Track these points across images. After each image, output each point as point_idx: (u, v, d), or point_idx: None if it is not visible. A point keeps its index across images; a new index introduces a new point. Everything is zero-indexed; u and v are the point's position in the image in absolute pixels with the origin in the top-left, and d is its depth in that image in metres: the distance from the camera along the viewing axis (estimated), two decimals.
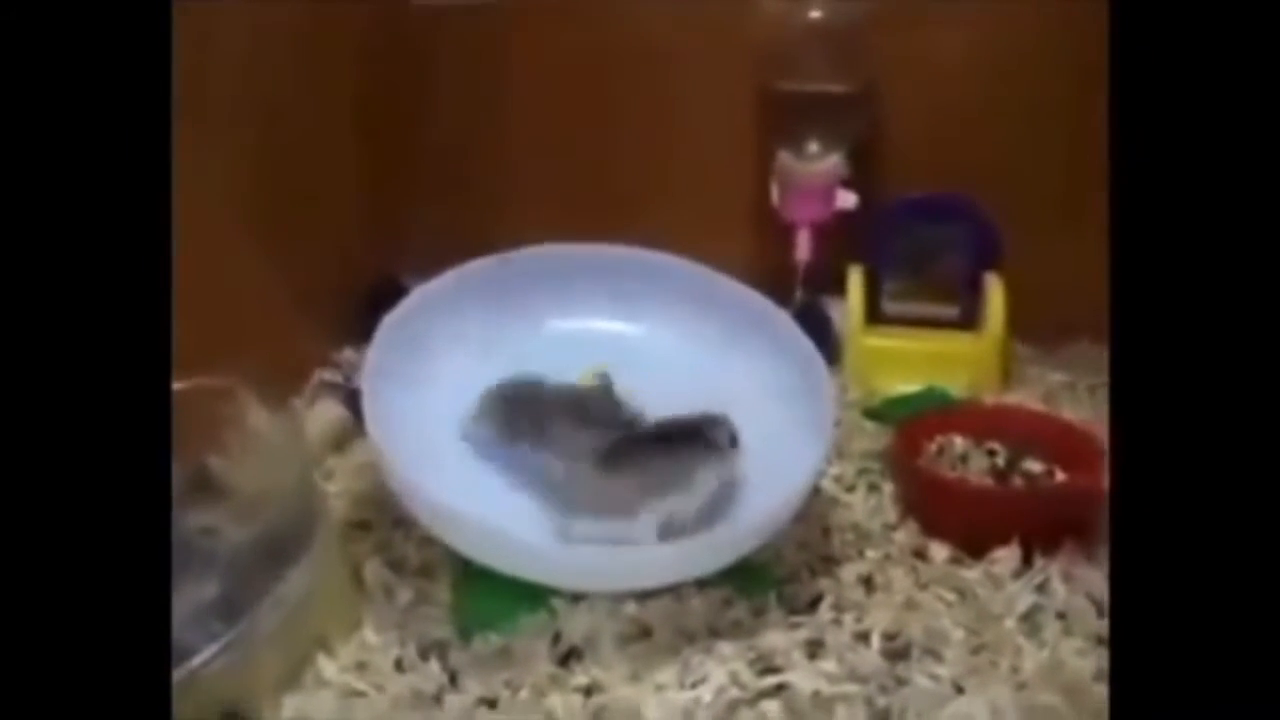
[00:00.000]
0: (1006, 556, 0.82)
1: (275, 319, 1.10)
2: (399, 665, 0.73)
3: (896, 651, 0.73)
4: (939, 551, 0.84)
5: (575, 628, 0.75)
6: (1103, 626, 0.75)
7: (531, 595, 0.76)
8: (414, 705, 0.69)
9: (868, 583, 0.81)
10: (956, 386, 1.10)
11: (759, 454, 0.84)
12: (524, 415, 0.85)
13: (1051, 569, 0.81)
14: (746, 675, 0.71)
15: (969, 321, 1.19)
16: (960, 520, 0.85)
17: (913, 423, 0.96)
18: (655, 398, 0.87)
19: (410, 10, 1.30)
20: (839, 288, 1.19)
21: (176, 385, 0.77)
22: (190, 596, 0.67)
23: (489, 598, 0.77)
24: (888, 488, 0.94)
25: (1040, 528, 0.83)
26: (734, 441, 0.82)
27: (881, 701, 0.68)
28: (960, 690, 0.69)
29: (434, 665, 0.72)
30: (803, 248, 1.19)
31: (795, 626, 0.76)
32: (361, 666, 0.73)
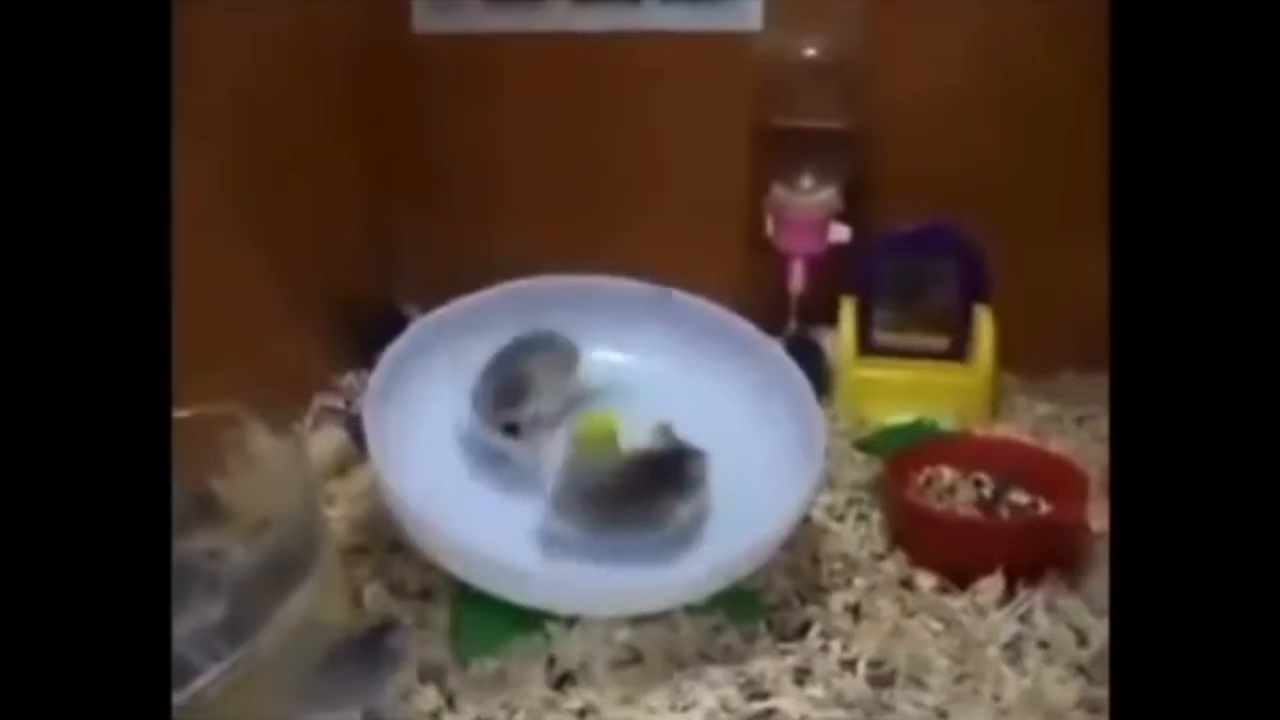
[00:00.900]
0: (991, 586, 0.84)
1: (276, 345, 1.11)
2: (398, 689, 0.74)
3: (882, 679, 0.75)
4: (925, 581, 0.86)
5: (569, 652, 0.77)
6: (1083, 656, 0.76)
7: (526, 620, 0.78)
8: None
9: (855, 611, 0.83)
10: (946, 417, 1.12)
11: (750, 482, 0.86)
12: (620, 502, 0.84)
13: (1035, 599, 0.82)
14: (736, 700, 0.73)
15: (958, 353, 1.20)
16: (946, 551, 0.87)
17: (902, 454, 0.98)
18: (649, 427, 0.89)
19: (411, 38, 1.32)
20: (831, 319, 1.21)
21: (180, 412, 0.80)
22: (196, 617, 0.68)
23: (485, 623, 0.78)
24: (876, 518, 0.96)
25: (1024, 558, 0.84)
26: (702, 480, 0.85)
27: None
28: (944, 717, 0.71)
29: (432, 688, 0.74)
30: (796, 279, 1.21)
31: (784, 653, 0.78)
32: None
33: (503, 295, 0.97)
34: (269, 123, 1.10)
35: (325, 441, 1.06)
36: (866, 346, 1.21)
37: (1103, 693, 0.72)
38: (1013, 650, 0.78)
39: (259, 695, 0.69)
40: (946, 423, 1.11)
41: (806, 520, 0.90)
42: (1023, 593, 0.83)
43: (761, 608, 0.82)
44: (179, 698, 0.63)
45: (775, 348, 0.96)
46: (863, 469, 1.04)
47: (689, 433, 0.87)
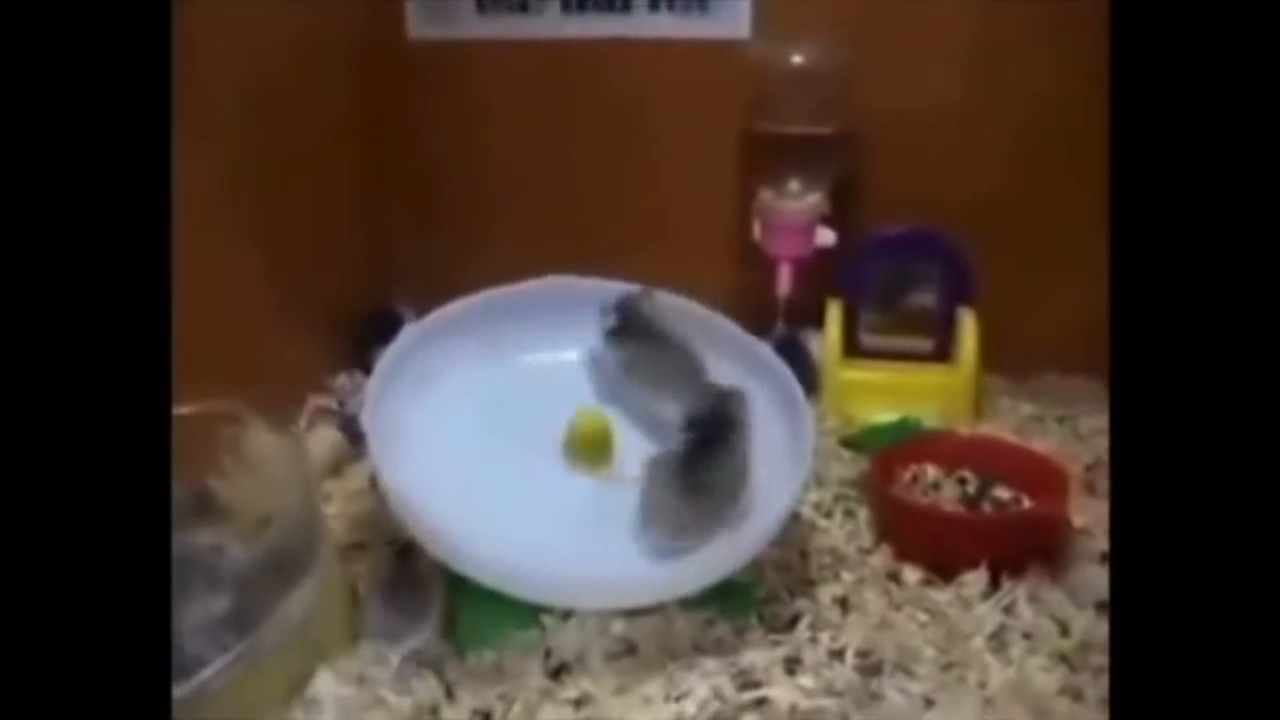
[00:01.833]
0: (975, 579, 0.86)
1: (271, 345, 1.13)
2: (398, 680, 0.76)
3: (870, 668, 0.77)
4: (911, 574, 0.88)
5: (565, 644, 0.78)
6: (1065, 645, 0.79)
7: (523, 613, 0.80)
8: (413, 718, 0.72)
9: (844, 604, 0.85)
10: (930, 417, 1.14)
11: None
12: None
13: (1018, 591, 0.84)
14: (728, 690, 0.74)
15: (943, 354, 1.23)
16: (932, 545, 0.89)
17: (888, 452, 1.00)
18: (642, 429, 0.91)
19: (406, 44, 1.34)
20: (818, 321, 1.23)
21: (181, 409, 0.82)
22: (201, 610, 0.70)
23: (483, 615, 0.80)
24: (864, 514, 0.98)
25: (1007, 552, 0.86)
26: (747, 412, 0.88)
27: (856, 716, 0.72)
28: (930, 705, 0.73)
29: (431, 679, 0.76)
30: (783, 283, 1.23)
31: (775, 644, 0.79)
32: (361, 680, 0.76)
33: (496, 297, 0.98)
34: (267, 127, 1.11)
35: (320, 441, 1.07)
36: (853, 348, 1.23)
37: (1084, 680, 0.75)
38: (997, 640, 0.80)
39: (262, 687, 0.71)
40: (931, 422, 1.13)
41: (796, 516, 0.92)
42: (1006, 585, 0.85)
43: (753, 601, 0.84)
44: (185, 689, 0.65)
45: (764, 349, 0.98)
46: (849, 466, 1.06)
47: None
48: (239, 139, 1.05)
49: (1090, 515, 0.95)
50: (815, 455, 0.91)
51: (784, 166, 1.22)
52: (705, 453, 0.85)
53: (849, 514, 0.98)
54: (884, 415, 1.15)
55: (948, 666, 0.77)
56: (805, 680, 0.75)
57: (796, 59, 1.20)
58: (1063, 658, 0.78)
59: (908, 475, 0.99)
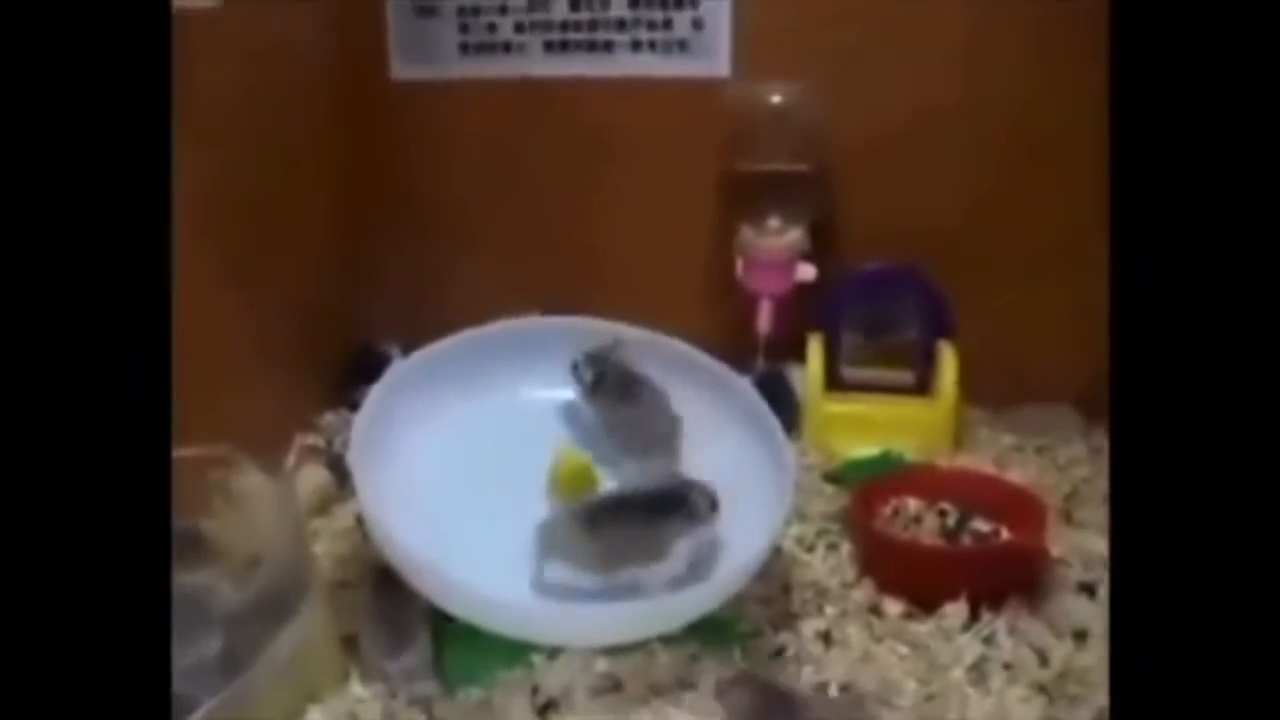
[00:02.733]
0: (955, 611, 0.87)
1: (256, 386, 1.12)
2: (388, 717, 0.77)
3: (853, 701, 0.78)
4: (893, 607, 0.89)
5: (552, 681, 0.79)
6: (1045, 675, 0.80)
7: (511, 650, 0.81)
8: None
9: (826, 637, 0.86)
10: (911, 449, 1.15)
11: (723, 515, 0.89)
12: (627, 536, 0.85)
13: (998, 623, 0.86)
14: None
15: (923, 387, 1.24)
16: (912, 578, 0.90)
17: (869, 486, 1.01)
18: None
19: (389, 85, 1.35)
20: (799, 356, 1.24)
21: (177, 452, 0.83)
22: (193, 651, 0.71)
23: (471, 652, 0.81)
24: (845, 547, 0.99)
25: (987, 584, 0.88)
26: (714, 506, 0.86)
27: None
28: None
29: (421, 717, 0.76)
30: (764, 318, 1.25)
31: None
32: (352, 718, 0.76)
33: (480, 336, 1.00)
34: (250, 169, 1.11)
35: (308, 480, 1.08)
36: (834, 382, 1.24)
37: (1062, 710, 0.76)
38: (977, 671, 0.81)
39: None
40: (912, 454, 1.15)
41: (778, 551, 0.93)
42: (986, 617, 0.86)
43: (736, 636, 0.85)
44: None
45: (745, 384, 0.99)
46: (831, 501, 1.08)
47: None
48: (222, 181, 1.05)
49: (1068, 545, 0.96)
50: (797, 490, 0.92)
51: (764, 204, 1.23)
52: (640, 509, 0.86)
53: (831, 548, 0.99)
54: (865, 448, 1.16)
55: (929, 698, 0.78)
56: None
57: (775, 98, 1.22)
58: (1042, 688, 0.79)
59: (889, 509, 1.00)
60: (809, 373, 1.23)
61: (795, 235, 1.23)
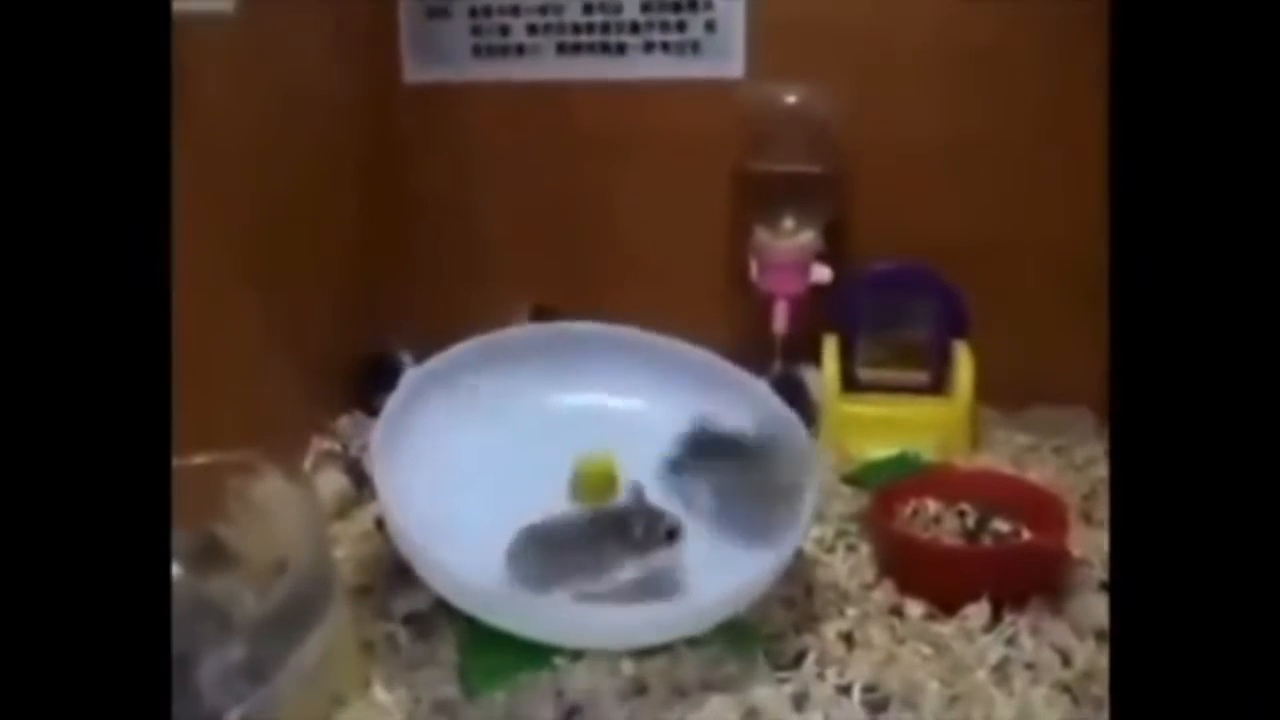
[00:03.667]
0: (977, 612, 0.87)
1: (273, 391, 1.13)
2: None
3: (877, 703, 0.78)
4: (914, 608, 0.89)
5: (576, 685, 0.79)
6: (1068, 676, 0.80)
7: (533, 654, 0.81)
8: None
9: (848, 639, 0.86)
10: (928, 449, 1.15)
11: (746, 518, 0.90)
12: (568, 553, 0.85)
13: (1020, 623, 0.86)
14: None
15: (939, 387, 1.24)
16: (934, 579, 0.90)
17: (888, 487, 1.01)
18: (650, 468, 0.93)
19: (402, 88, 1.36)
20: (814, 357, 1.25)
21: (195, 459, 0.83)
22: (217, 659, 0.70)
23: (494, 657, 0.81)
24: (865, 549, 0.99)
25: (1009, 584, 0.88)
26: (672, 535, 0.84)
27: None
28: None
29: None
30: (780, 320, 1.25)
31: (782, 681, 0.80)
32: None
33: (497, 341, 1.00)
34: (267, 175, 1.12)
35: (326, 484, 1.08)
36: (850, 383, 1.25)
37: (1087, 711, 0.76)
38: (1000, 672, 0.81)
39: None
40: (929, 455, 1.15)
41: (799, 553, 0.93)
42: (1008, 617, 0.86)
43: (758, 638, 0.84)
44: None
45: (763, 388, 0.99)
46: (850, 502, 1.08)
47: None
48: (236, 186, 1.06)
49: (1088, 545, 0.96)
50: (817, 492, 0.92)
51: (778, 205, 1.23)
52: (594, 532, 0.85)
53: (851, 549, 0.99)
54: (882, 448, 1.16)
55: (953, 700, 0.78)
56: (813, 716, 0.76)
57: (790, 99, 1.22)
58: (1065, 688, 0.79)
59: (908, 510, 1.00)
60: (825, 374, 1.23)
61: (810, 236, 1.23)
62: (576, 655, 0.81)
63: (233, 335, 1.06)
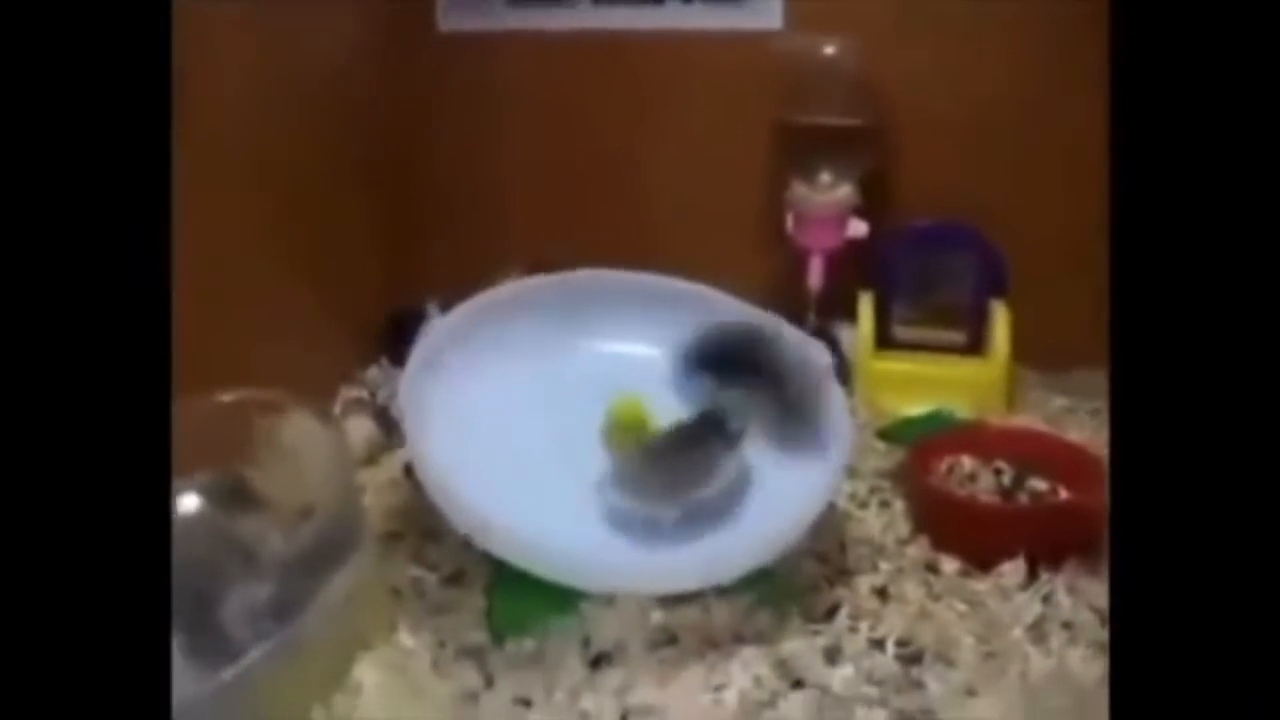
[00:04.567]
0: (1013, 570, 0.85)
1: (303, 339, 1.13)
2: (437, 667, 0.76)
3: (910, 658, 0.77)
4: (949, 565, 0.88)
5: (604, 633, 0.78)
6: (1106, 635, 0.78)
7: (562, 600, 0.80)
8: (454, 705, 0.73)
9: (882, 594, 0.85)
10: (963, 409, 1.14)
11: (779, 469, 0.89)
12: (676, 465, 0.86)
13: (1056, 581, 0.84)
14: (769, 679, 0.74)
15: (975, 347, 1.22)
16: (969, 535, 0.89)
17: (924, 443, 1.00)
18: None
19: (435, 37, 1.34)
20: (850, 313, 1.23)
21: (224, 398, 0.82)
22: (243, 596, 0.70)
23: (521, 603, 0.80)
24: (899, 505, 0.98)
25: (1045, 543, 0.86)
26: (743, 429, 0.87)
27: (898, 703, 0.72)
28: (972, 694, 0.73)
29: (470, 668, 0.76)
30: (815, 275, 1.23)
31: (814, 634, 0.79)
32: (401, 668, 0.76)
33: (527, 289, 0.99)
34: (300, 125, 1.12)
35: (355, 430, 1.08)
36: (885, 340, 1.23)
37: None
38: (1037, 631, 0.79)
39: (304, 674, 0.72)
40: (964, 414, 1.13)
41: (832, 508, 0.92)
42: (1044, 576, 0.85)
43: (791, 590, 0.83)
44: (228, 675, 0.65)
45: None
46: (884, 458, 1.06)
47: None
48: (268, 136, 1.06)
49: None
50: (851, 446, 0.90)
51: (815, 158, 1.21)
52: (685, 442, 0.87)
53: (885, 505, 0.98)
54: (916, 407, 1.15)
55: (988, 656, 0.77)
56: (845, 670, 0.75)
57: (828, 50, 1.20)
58: (1103, 647, 0.77)
59: (944, 466, 0.98)
60: (860, 331, 1.21)
61: (847, 190, 1.21)
62: (605, 602, 0.80)
63: (261, 285, 1.05)
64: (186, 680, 0.62)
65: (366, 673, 0.75)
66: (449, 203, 1.39)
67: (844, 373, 1.18)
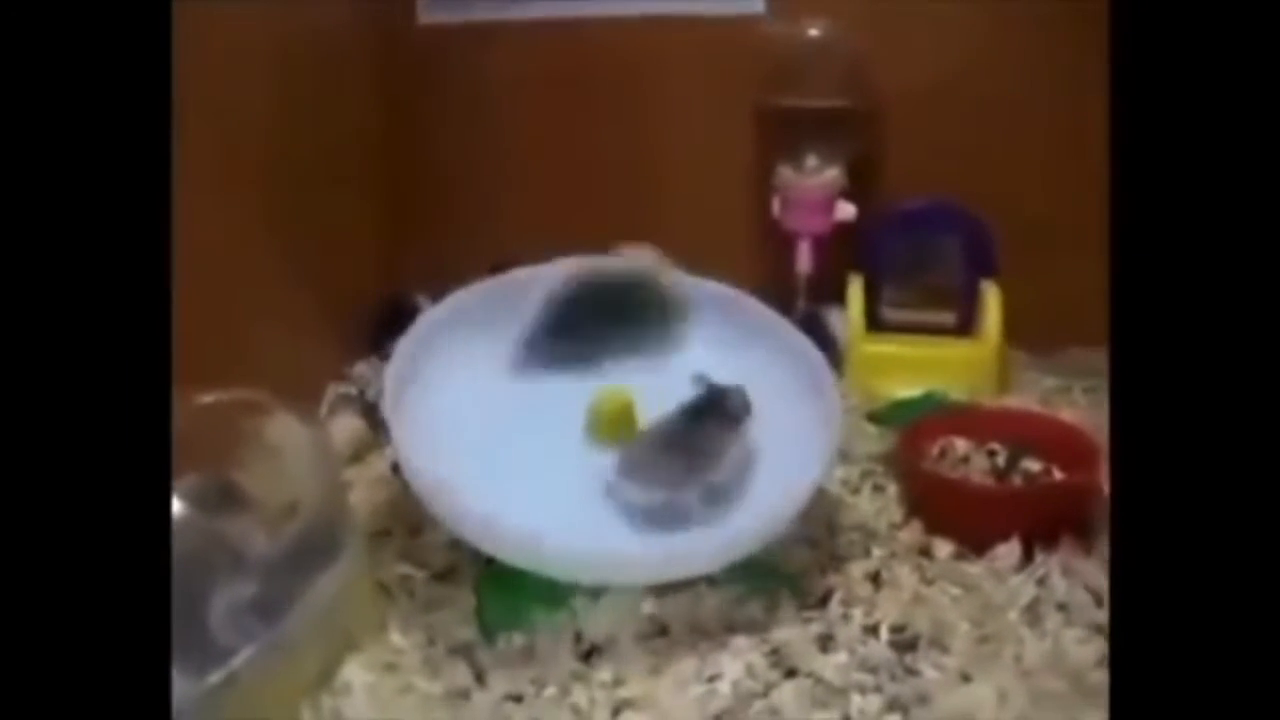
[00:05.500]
0: (1008, 552, 0.85)
1: (289, 336, 1.12)
2: (427, 665, 0.75)
3: (905, 643, 0.76)
4: (943, 548, 0.87)
5: (595, 626, 0.78)
6: (1101, 616, 0.77)
7: (551, 595, 0.79)
8: (445, 703, 0.72)
9: (875, 579, 0.84)
10: (955, 391, 1.13)
11: (769, 455, 0.88)
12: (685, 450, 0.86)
13: (1051, 563, 0.83)
14: (762, 668, 0.74)
15: (966, 328, 1.22)
16: (963, 518, 0.88)
17: (916, 426, 0.99)
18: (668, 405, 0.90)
19: (416, 29, 1.33)
20: (839, 297, 1.22)
21: (206, 398, 0.81)
22: (229, 597, 0.69)
23: (511, 598, 0.79)
24: (892, 489, 0.97)
25: (1039, 524, 0.85)
26: (747, 409, 0.87)
27: (892, 690, 0.71)
28: (967, 679, 0.72)
29: (461, 665, 0.75)
30: (803, 259, 1.23)
31: (807, 621, 0.79)
32: (391, 667, 0.75)
33: (513, 281, 0.97)
34: (283, 120, 1.11)
35: (342, 428, 1.07)
36: (875, 323, 1.22)
37: None
38: (1032, 613, 0.79)
39: (292, 675, 0.71)
40: (956, 396, 1.12)
41: (823, 493, 0.91)
42: (1039, 557, 0.84)
43: (783, 578, 0.83)
44: (215, 677, 0.64)
45: (787, 326, 0.97)
46: (876, 441, 1.06)
47: None
48: (252, 130, 1.05)
49: None
50: (841, 430, 0.90)
51: (801, 141, 1.21)
52: (692, 425, 0.86)
53: (877, 489, 0.97)
54: (908, 390, 1.14)
55: (983, 640, 0.76)
56: (839, 657, 0.74)
57: (812, 32, 1.20)
58: (1099, 629, 0.76)
59: (936, 449, 0.97)
60: (850, 314, 1.21)
61: (834, 173, 1.20)
62: (595, 595, 0.79)
63: (248, 281, 1.04)
64: (173, 683, 0.62)
65: (356, 672, 0.74)
66: (437, 196, 1.38)
67: (835, 357, 1.17)
